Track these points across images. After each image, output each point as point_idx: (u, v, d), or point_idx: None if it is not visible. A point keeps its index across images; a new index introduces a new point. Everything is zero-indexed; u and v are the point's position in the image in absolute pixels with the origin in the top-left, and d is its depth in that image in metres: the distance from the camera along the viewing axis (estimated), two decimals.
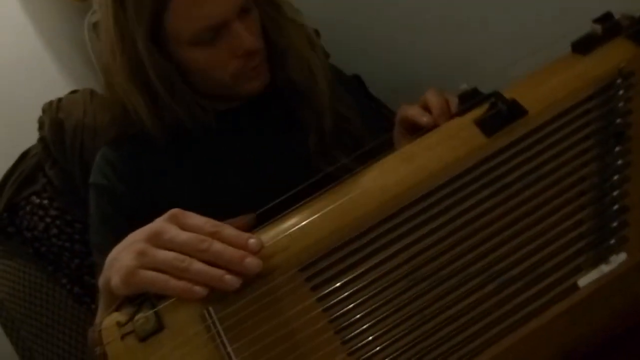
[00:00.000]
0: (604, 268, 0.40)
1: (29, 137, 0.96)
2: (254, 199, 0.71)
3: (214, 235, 0.45)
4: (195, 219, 0.47)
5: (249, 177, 0.75)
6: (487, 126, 0.48)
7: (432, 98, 0.59)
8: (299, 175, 0.73)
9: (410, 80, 1.06)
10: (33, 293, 0.87)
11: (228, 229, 0.46)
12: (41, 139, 0.90)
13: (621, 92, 0.46)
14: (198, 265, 0.44)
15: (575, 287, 0.41)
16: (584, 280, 0.41)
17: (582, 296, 0.41)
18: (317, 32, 1.02)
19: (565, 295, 0.41)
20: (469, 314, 0.41)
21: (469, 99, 0.52)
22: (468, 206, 0.45)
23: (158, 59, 0.68)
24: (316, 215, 0.47)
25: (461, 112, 0.52)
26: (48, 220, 0.88)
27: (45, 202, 0.88)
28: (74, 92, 0.94)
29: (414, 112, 0.59)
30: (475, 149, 0.48)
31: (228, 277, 0.43)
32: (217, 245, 0.44)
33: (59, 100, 0.91)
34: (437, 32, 0.97)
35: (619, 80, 0.46)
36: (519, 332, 0.40)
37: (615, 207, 0.42)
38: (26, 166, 0.91)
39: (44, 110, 0.90)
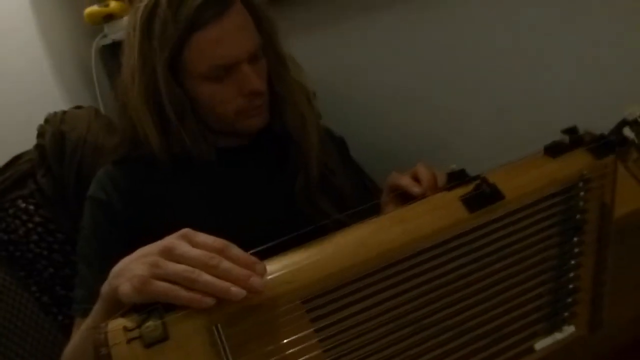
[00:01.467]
0: (557, 336, 0.49)
1: (19, 143, 0.99)
2: (243, 230, 0.77)
3: (222, 253, 0.50)
4: (205, 237, 0.52)
5: (240, 210, 0.80)
6: (471, 203, 0.57)
7: (423, 171, 0.67)
8: (284, 213, 0.81)
9: (392, 151, 1.17)
10: None
11: (235, 249, 0.51)
12: (38, 146, 0.93)
13: (581, 193, 0.56)
14: (207, 277, 0.48)
15: (532, 349, 0.49)
16: (539, 345, 0.49)
17: (536, 358, 0.48)
18: (313, 94, 1.11)
19: (522, 355, 0.48)
20: (457, 352, 0.48)
21: (457, 177, 0.61)
22: (448, 269, 0.53)
23: (173, 87, 0.75)
24: (318, 257, 0.53)
25: (449, 188, 0.61)
26: (30, 225, 0.89)
27: (31, 207, 0.90)
28: (78, 107, 0.98)
29: (406, 182, 0.67)
30: (459, 221, 0.56)
31: (234, 289, 0.48)
32: (226, 263, 0.49)
33: (63, 112, 0.95)
34: (424, 114, 1.09)
35: (580, 184, 0.57)
36: None
37: (570, 286, 0.51)
38: (16, 170, 0.93)
39: (46, 120, 0.94)
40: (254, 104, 0.79)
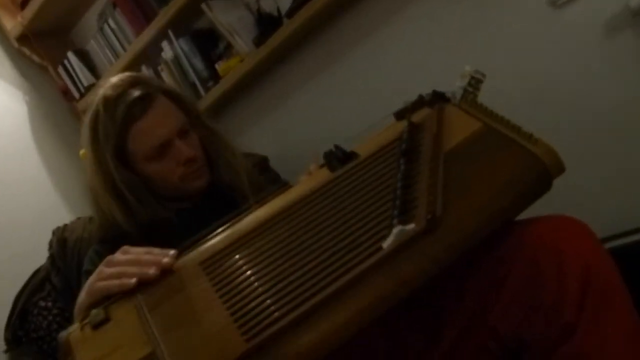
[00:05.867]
0: (396, 230, 0.60)
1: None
2: None
3: (147, 253, 0.67)
4: (136, 248, 0.69)
5: None
6: (331, 166, 0.72)
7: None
8: None
9: None
10: None
11: (156, 249, 0.68)
12: (50, 256, 1.14)
13: (405, 135, 0.71)
14: (131, 269, 0.65)
15: (380, 248, 0.60)
16: (385, 243, 0.60)
17: (385, 254, 0.60)
18: (267, 158, 1.30)
19: (375, 252, 0.60)
20: (319, 266, 0.60)
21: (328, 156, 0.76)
22: (323, 205, 0.67)
23: (124, 173, 0.94)
24: (218, 239, 0.69)
25: (323, 165, 0.76)
26: (50, 318, 1.08)
27: (50, 304, 1.09)
28: (78, 218, 1.20)
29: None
30: (325, 179, 0.71)
31: (151, 270, 0.64)
32: (147, 257, 0.66)
33: (65, 225, 1.17)
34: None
35: (405, 128, 0.72)
36: (351, 274, 0.58)
37: (408, 196, 0.64)
38: (36, 280, 1.14)
39: (53, 233, 1.16)
40: (192, 169, 0.97)
